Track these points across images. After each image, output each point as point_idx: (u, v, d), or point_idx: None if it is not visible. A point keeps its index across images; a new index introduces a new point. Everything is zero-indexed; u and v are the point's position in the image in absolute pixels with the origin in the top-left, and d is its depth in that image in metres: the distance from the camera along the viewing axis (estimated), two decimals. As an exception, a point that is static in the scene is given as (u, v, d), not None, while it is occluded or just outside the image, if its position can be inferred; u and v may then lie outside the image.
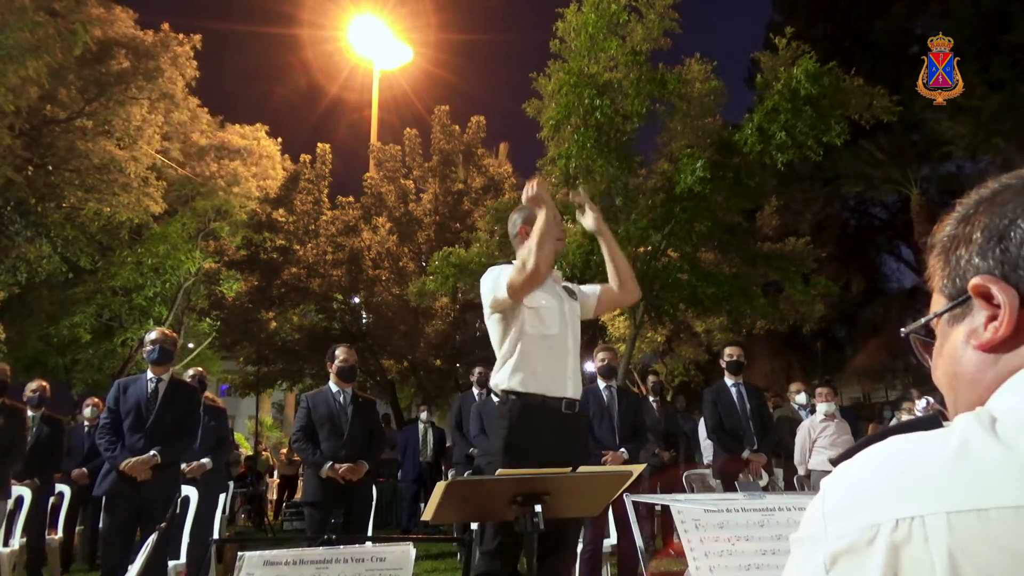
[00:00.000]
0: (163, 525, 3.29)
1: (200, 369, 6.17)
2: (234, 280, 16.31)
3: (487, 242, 11.14)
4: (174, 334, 4.48)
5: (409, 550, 1.90)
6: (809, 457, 6.06)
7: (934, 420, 0.57)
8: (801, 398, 7.22)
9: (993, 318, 0.59)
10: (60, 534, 5.85)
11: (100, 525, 4.24)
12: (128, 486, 3.96)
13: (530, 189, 2.60)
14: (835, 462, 0.57)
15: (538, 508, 1.78)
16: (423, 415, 9.48)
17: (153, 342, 4.23)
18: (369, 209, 16.32)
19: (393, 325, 15.33)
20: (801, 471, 6.12)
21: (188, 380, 4.97)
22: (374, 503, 4.88)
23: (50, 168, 13.17)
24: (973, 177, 19.16)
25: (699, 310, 11.36)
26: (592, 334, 12.19)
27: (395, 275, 15.40)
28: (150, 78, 13.89)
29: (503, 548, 2.37)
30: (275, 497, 12.71)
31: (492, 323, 2.60)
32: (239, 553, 1.78)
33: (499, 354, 2.59)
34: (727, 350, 5.52)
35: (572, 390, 2.58)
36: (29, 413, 5.34)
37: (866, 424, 10.34)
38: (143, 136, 13.73)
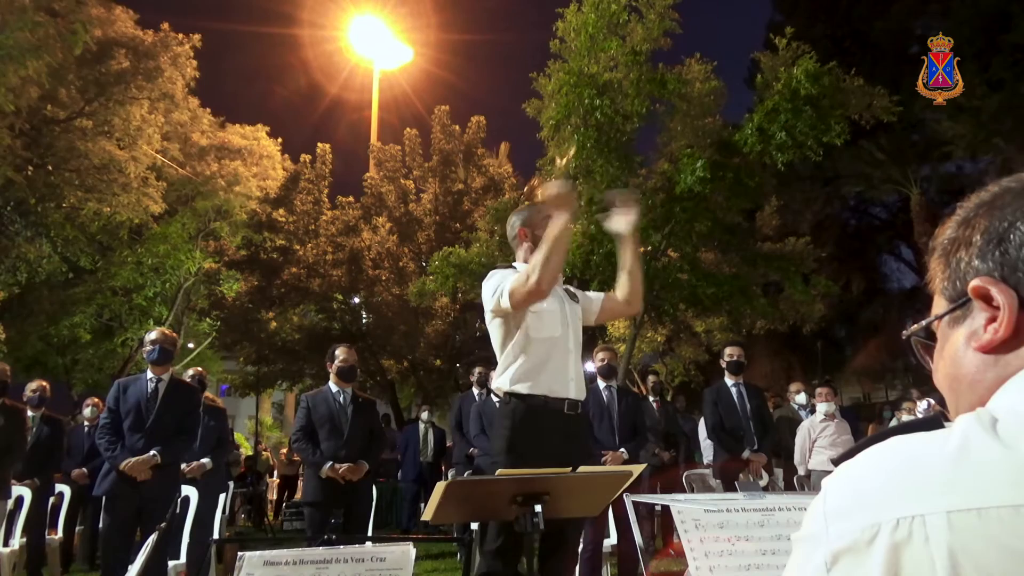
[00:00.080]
0: (163, 525, 3.29)
1: (200, 369, 6.17)
2: (234, 280, 16.30)
3: (487, 242, 11.15)
4: (174, 334, 4.48)
5: (409, 550, 1.90)
6: (809, 457, 6.06)
7: (935, 421, 0.57)
8: (801, 398, 7.22)
9: (993, 320, 0.60)
10: (60, 534, 5.85)
11: (100, 525, 4.24)
12: (128, 486, 3.96)
13: (554, 188, 2.46)
14: (837, 462, 0.58)
15: (538, 508, 1.78)
16: (424, 415, 9.49)
17: (153, 342, 4.23)
18: (369, 209, 16.32)
19: (393, 325, 15.33)
20: (801, 471, 6.12)
21: (188, 380, 4.97)
22: (374, 503, 4.88)
23: (50, 168, 13.16)
24: (973, 177, 19.19)
25: (699, 310, 11.37)
26: (592, 334, 12.17)
27: (395, 275, 15.40)
28: (150, 78, 13.88)
29: (506, 548, 2.37)
30: (275, 497, 12.71)
31: (493, 326, 2.60)
32: (239, 553, 1.78)
33: (500, 357, 2.58)
34: (727, 350, 5.52)
35: (575, 391, 2.57)
36: (29, 413, 5.33)
37: (866, 424, 10.34)
38: (143, 136, 13.73)
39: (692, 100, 9.49)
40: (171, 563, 4.20)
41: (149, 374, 4.21)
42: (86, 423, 6.61)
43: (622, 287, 2.79)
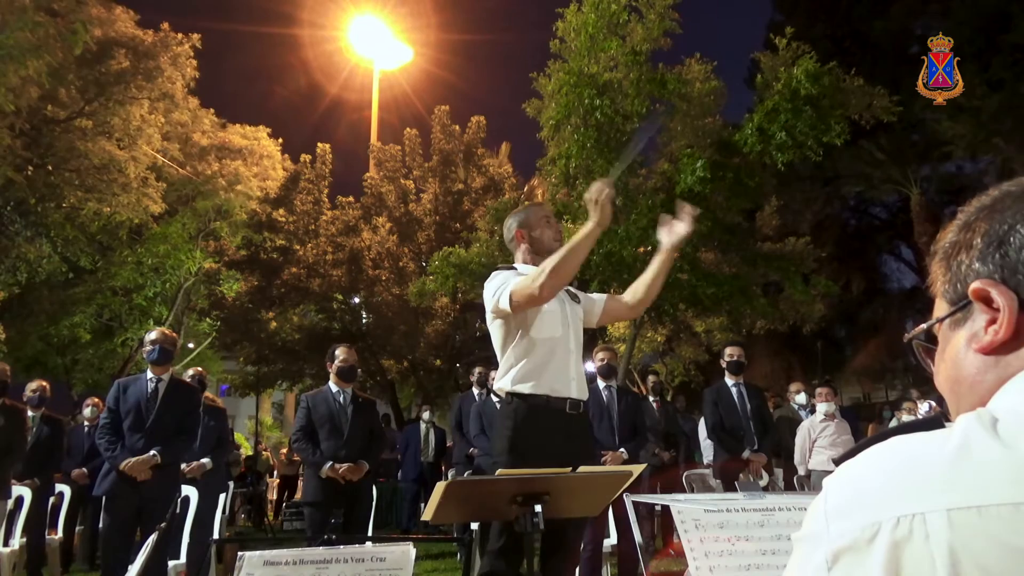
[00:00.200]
0: (163, 525, 3.29)
1: (200, 369, 6.17)
2: (234, 280, 16.30)
3: (487, 242, 11.15)
4: (174, 334, 4.48)
5: (409, 550, 1.90)
6: (809, 457, 6.06)
7: (936, 421, 0.58)
8: (801, 398, 7.22)
9: (993, 321, 0.60)
10: (60, 534, 5.85)
11: (100, 525, 4.24)
12: (128, 486, 3.96)
13: (596, 189, 2.42)
14: (838, 462, 0.58)
15: (538, 508, 1.78)
16: (425, 415, 9.50)
17: (153, 342, 4.23)
18: (369, 209, 16.32)
19: (393, 325, 15.33)
20: (801, 471, 6.12)
21: (188, 380, 4.97)
22: (374, 503, 4.88)
23: (50, 168, 13.16)
24: (973, 177, 19.19)
25: (699, 310, 11.36)
26: (592, 334, 12.18)
27: (395, 275, 15.40)
28: (150, 78, 13.88)
29: (508, 548, 2.37)
30: (275, 497, 12.72)
31: (494, 327, 2.59)
32: (239, 553, 1.78)
33: (502, 358, 2.58)
34: (728, 350, 5.52)
35: (576, 391, 2.57)
36: (29, 413, 5.33)
37: (866, 424, 10.34)
38: (143, 136, 13.72)
39: (692, 100, 9.49)
40: (171, 563, 4.20)
41: (149, 374, 4.21)
42: (86, 423, 6.61)
43: (636, 292, 2.75)
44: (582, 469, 1.91)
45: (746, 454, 5.14)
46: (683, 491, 5.12)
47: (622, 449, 4.75)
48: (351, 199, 16.40)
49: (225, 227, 16.32)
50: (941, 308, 0.67)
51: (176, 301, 16.55)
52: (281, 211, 16.23)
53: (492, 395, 6.12)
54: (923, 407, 6.21)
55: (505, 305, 2.44)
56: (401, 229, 15.99)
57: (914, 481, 0.51)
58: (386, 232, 15.76)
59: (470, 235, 13.10)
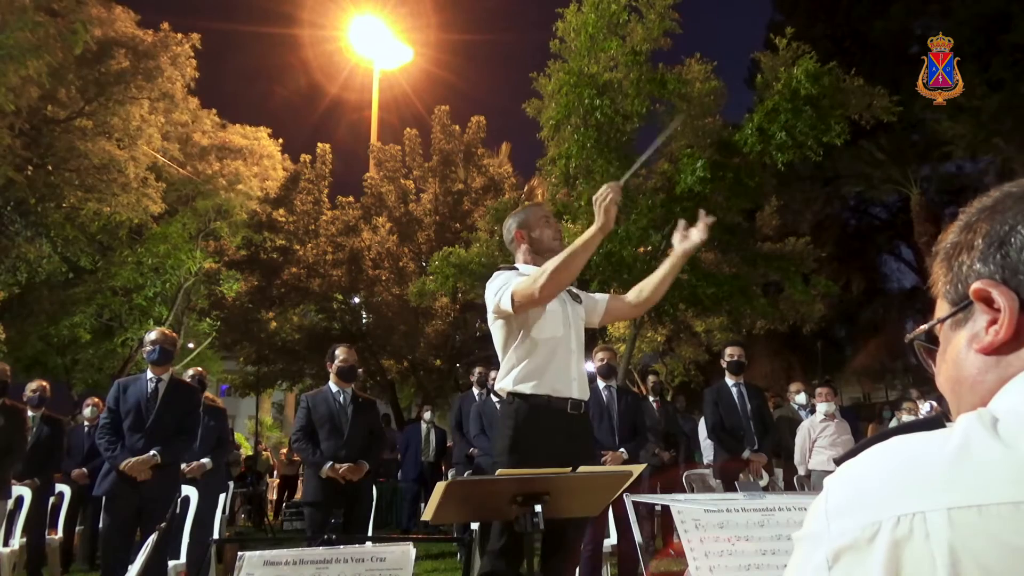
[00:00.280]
0: (163, 525, 3.29)
1: (200, 369, 6.17)
2: (234, 280, 16.31)
3: (487, 242, 11.15)
4: (174, 334, 4.48)
5: (409, 550, 1.90)
6: (809, 457, 6.06)
7: (936, 421, 0.58)
8: (801, 398, 7.22)
9: (994, 322, 0.60)
10: (60, 534, 5.85)
11: (100, 525, 4.24)
12: (128, 486, 3.96)
13: (606, 191, 2.39)
14: (839, 461, 0.58)
15: (538, 508, 1.78)
16: (426, 415, 9.50)
17: (153, 342, 4.23)
18: (369, 209, 16.32)
19: (393, 325, 15.33)
20: (801, 471, 6.12)
21: (188, 380, 4.97)
22: (374, 503, 4.88)
23: (50, 168, 13.16)
24: (973, 177, 19.18)
25: (699, 310, 11.36)
26: (592, 334, 12.17)
27: (395, 275, 15.40)
28: (150, 78, 13.88)
29: (509, 548, 2.37)
30: (275, 497, 12.72)
31: (496, 327, 2.60)
32: (239, 553, 1.78)
33: (503, 358, 2.58)
34: (728, 350, 5.52)
35: (578, 391, 2.57)
36: (29, 413, 5.33)
37: (866, 424, 10.34)
38: (143, 136, 13.72)
39: (692, 100, 9.49)
40: (171, 563, 4.20)
41: (149, 374, 4.21)
42: (86, 423, 6.61)
43: (642, 292, 2.75)
44: (582, 469, 1.91)
45: (746, 454, 5.14)
46: (683, 491, 5.12)
47: (622, 449, 4.74)
48: (351, 199, 16.42)
49: (225, 227, 16.32)
50: (942, 309, 0.67)
51: (176, 301, 16.55)
52: (281, 211, 16.23)
53: (492, 395, 6.12)
54: (924, 407, 6.21)
55: (507, 305, 2.44)
56: (401, 229, 15.99)
57: (915, 480, 0.51)
58: (386, 232, 15.76)
59: (470, 235, 13.11)
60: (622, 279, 9.08)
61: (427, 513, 1.82)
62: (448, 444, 9.10)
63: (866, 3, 18.72)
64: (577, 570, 3.88)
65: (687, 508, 1.80)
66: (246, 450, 16.63)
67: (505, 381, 2.55)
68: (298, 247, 15.77)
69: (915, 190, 19.62)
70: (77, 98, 13.33)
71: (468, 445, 6.37)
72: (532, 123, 10.03)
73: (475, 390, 6.70)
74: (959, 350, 0.64)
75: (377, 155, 17.03)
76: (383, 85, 24.81)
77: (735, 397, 5.34)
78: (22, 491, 5.12)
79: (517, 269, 2.66)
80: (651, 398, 7.13)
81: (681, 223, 2.74)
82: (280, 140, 17.47)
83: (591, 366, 5.25)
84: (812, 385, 7.22)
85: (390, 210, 16.20)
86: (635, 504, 3.78)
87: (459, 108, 29.31)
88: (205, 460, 5.16)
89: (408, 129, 17.06)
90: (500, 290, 2.49)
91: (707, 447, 6.64)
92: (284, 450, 13.73)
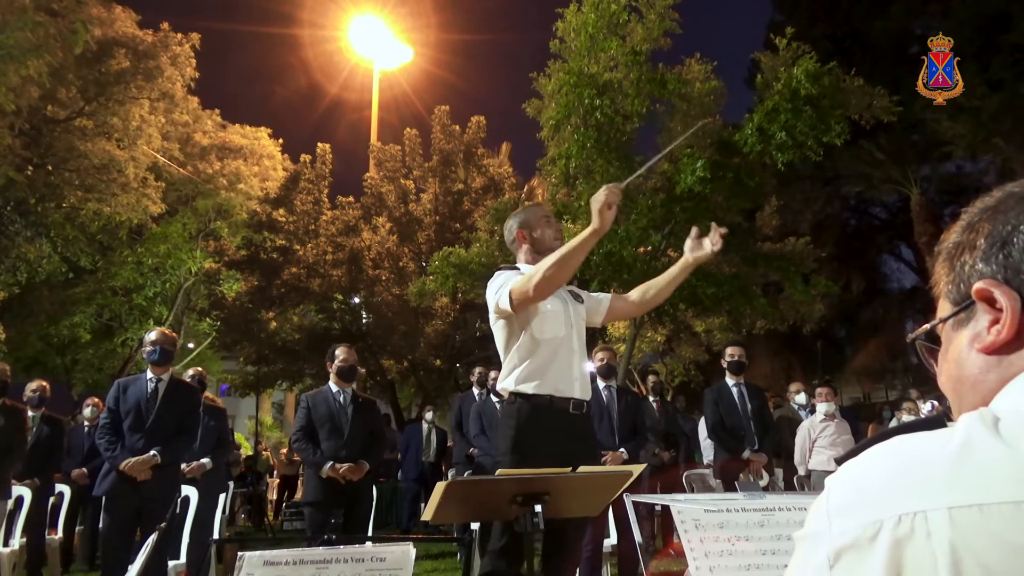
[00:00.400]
0: (163, 525, 3.29)
1: (200, 369, 6.17)
2: (234, 280, 16.30)
3: (487, 242, 11.15)
4: (174, 334, 4.48)
5: (409, 550, 1.90)
6: (809, 457, 6.06)
7: (938, 420, 0.58)
8: (801, 398, 7.22)
9: (996, 321, 0.60)
10: (60, 534, 5.85)
11: (100, 525, 4.24)
12: (128, 486, 3.96)
13: (604, 193, 2.39)
14: (840, 461, 0.58)
15: (538, 508, 1.78)
16: (427, 415, 9.51)
17: (153, 343, 4.23)
18: (369, 209, 16.32)
19: (393, 325, 15.33)
20: (801, 471, 6.12)
21: (188, 380, 4.97)
22: (374, 503, 4.88)
23: (50, 168, 13.16)
24: (973, 177, 19.18)
25: (699, 310, 11.36)
26: (592, 334, 12.17)
27: (395, 275, 15.40)
28: (150, 78, 13.88)
29: (509, 548, 2.37)
30: (275, 497, 12.72)
31: (497, 328, 2.60)
32: (239, 553, 1.78)
33: (505, 358, 2.58)
34: (728, 350, 5.51)
35: (579, 391, 2.57)
36: (29, 413, 5.33)
37: (866, 424, 10.34)
38: (143, 136, 13.73)
39: (692, 100, 9.49)
40: (171, 563, 4.20)
41: (149, 374, 4.20)
42: (86, 423, 6.61)
43: (646, 293, 2.77)
44: (582, 469, 1.91)
45: (746, 454, 5.14)
46: (683, 491, 5.12)
47: (622, 449, 4.74)
48: (351, 199, 16.41)
49: (225, 227, 16.32)
50: (944, 308, 0.67)
51: (176, 301, 16.55)
52: (281, 211, 16.23)
53: (493, 395, 6.12)
54: (925, 407, 6.21)
55: (506, 304, 2.45)
56: (401, 229, 15.99)
57: (916, 480, 0.51)
58: (386, 232, 15.76)
59: (470, 235, 13.10)
60: (622, 279, 9.08)
61: (427, 513, 1.82)
62: (448, 444, 9.10)
63: (866, 3, 18.72)
64: (577, 570, 3.88)
65: (687, 508, 1.80)
66: (246, 450, 16.63)
67: (507, 381, 2.55)
68: (298, 247, 15.77)
69: (915, 190, 19.62)
70: (77, 98, 13.33)
71: (468, 445, 6.37)
72: (532, 123, 10.04)
73: (475, 390, 6.70)
74: (961, 350, 0.64)
75: (377, 155, 17.03)
76: (383, 85, 24.82)
77: (735, 397, 5.33)
78: (22, 491, 5.12)
79: (518, 269, 2.66)
80: (651, 398, 7.13)
81: (694, 230, 2.73)
82: (280, 140, 17.49)
83: (591, 366, 5.25)
84: (812, 385, 7.22)
85: (390, 210, 16.19)
86: (635, 504, 3.78)
87: (459, 108, 29.33)
88: (205, 460, 5.16)
89: (408, 129, 17.08)
90: (500, 290, 2.49)
91: (707, 447, 6.64)
92: (284, 450, 13.73)
